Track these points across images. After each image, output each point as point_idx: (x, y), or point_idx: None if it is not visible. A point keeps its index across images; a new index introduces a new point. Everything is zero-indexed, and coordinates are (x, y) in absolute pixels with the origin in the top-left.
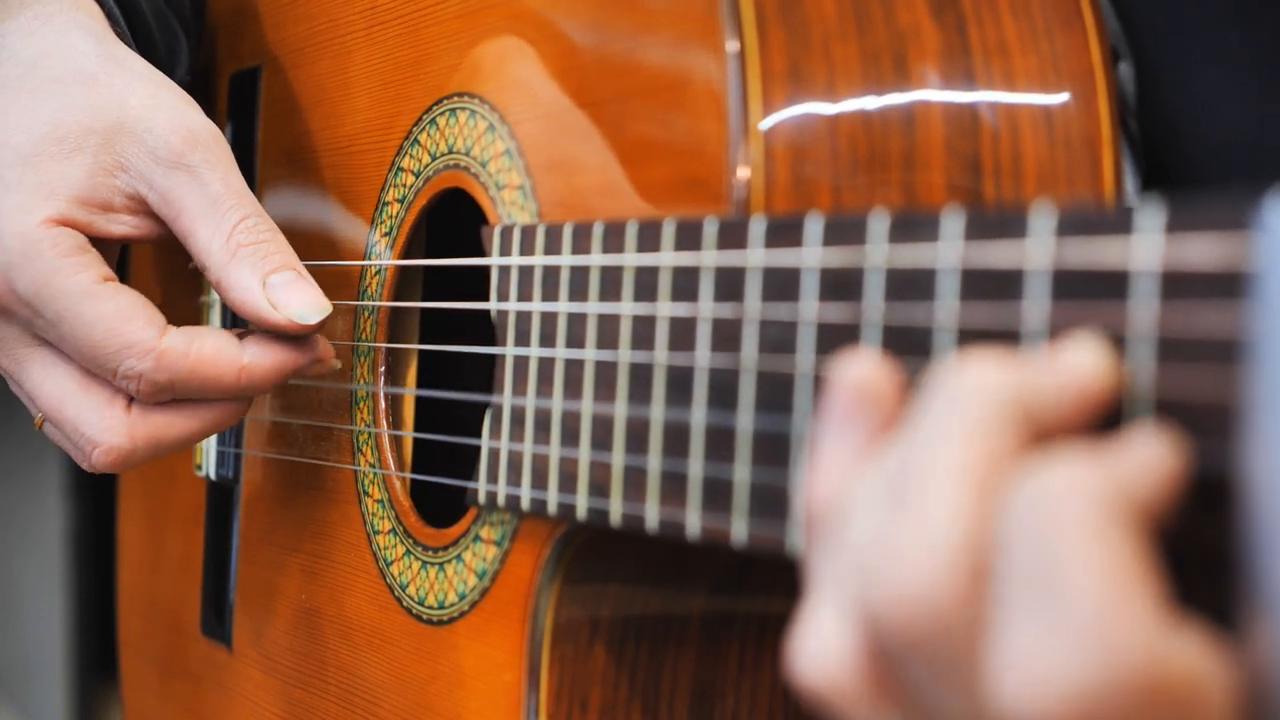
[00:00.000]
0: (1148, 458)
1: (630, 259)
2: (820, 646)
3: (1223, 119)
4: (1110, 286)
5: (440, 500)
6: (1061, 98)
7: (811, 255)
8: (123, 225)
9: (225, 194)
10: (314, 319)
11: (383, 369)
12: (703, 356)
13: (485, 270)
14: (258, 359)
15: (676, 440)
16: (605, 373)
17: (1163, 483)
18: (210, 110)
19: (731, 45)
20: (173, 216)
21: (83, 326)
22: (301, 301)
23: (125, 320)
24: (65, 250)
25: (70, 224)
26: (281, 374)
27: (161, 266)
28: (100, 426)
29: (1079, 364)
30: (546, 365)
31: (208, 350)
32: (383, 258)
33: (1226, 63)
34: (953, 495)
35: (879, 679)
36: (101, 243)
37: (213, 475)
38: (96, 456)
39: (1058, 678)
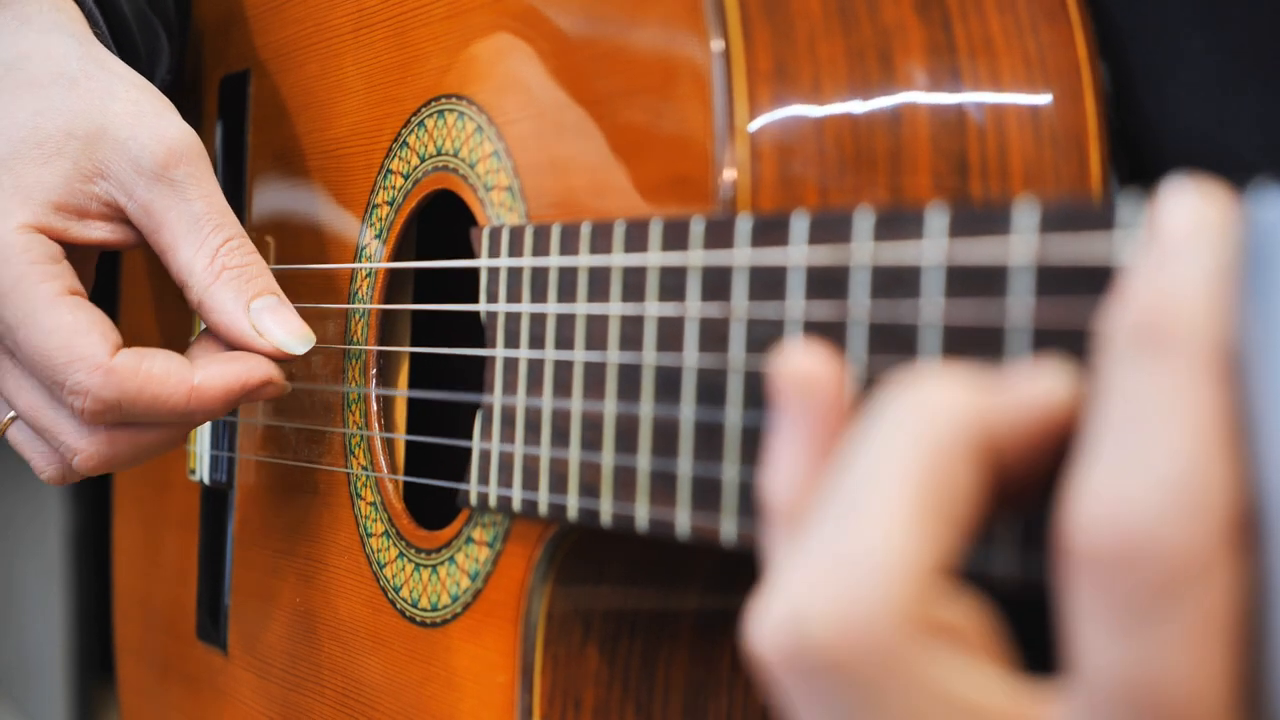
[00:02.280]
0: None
1: (618, 259)
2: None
3: (1189, 122)
4: (1095, 282)
5: (434, 502)
6: (1047, 93)
7: (797, 254)
8: (98, 231)
9: (208, 213)
10: (299, 349)
11: (374, 371)
12: (690, 356)
13: (475, 271)
14: (208, 380)
15: (666, 440)
16: (594, 373)
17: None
18: (200, 114)
19: (716, 44)
20: (152, 229)
21: (39, 333)
22: (287, 330)
23: (80, 334)
24: (36, 257)
25: (46, 231)
26: (231, 396)
27: (155, 275)
28: (79, 433)
29: (1043, 388)
30: (536, 366)
31: (157, 370)
32: (373, 260)
33: (1192, 66)
34: (893, 518)
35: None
36: (77, 248)
37: (206, 480)
38: (80, 461)
39: (1130, 507)
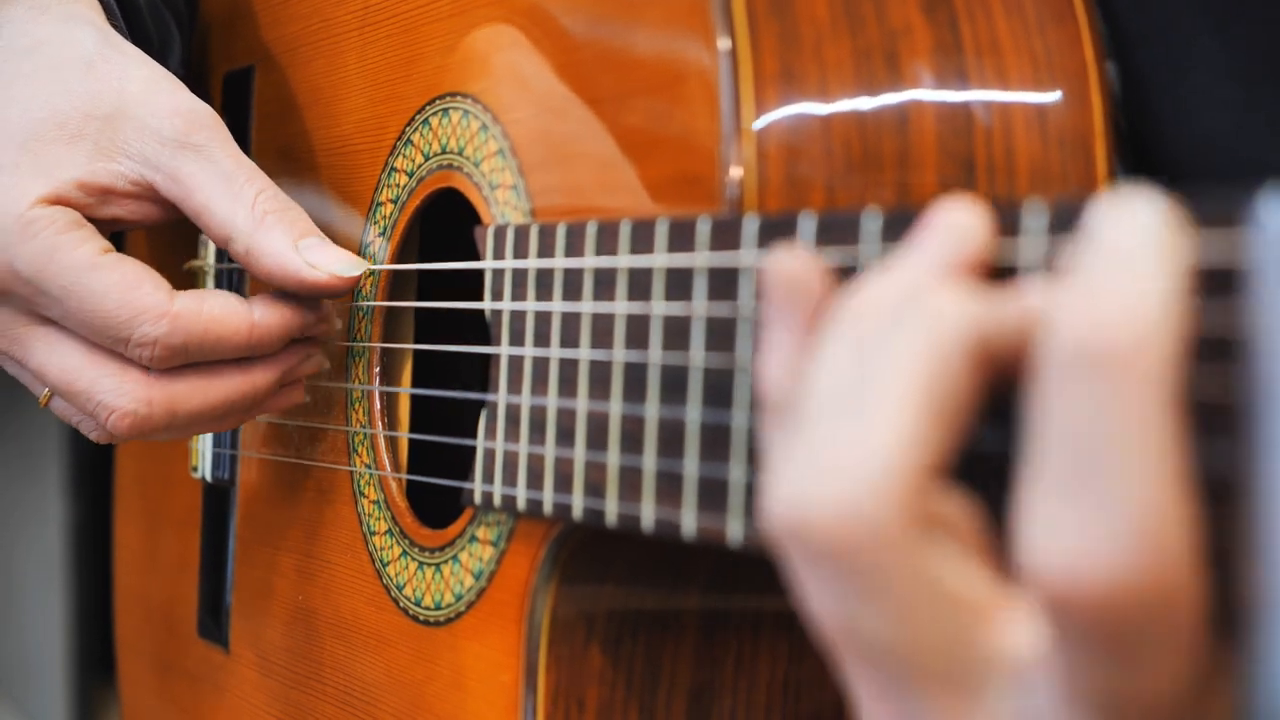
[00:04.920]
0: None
1: (624, 260)
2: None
3: (1202, 125)
4: None
5: (437, 501)
6: (1054, 94)
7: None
8: (120, 209)
9: (238, 169)
10: (355, 271)
11: (378, 369)
12: (697, 356)
13: (480, 270)
14: (266, 316)
15: (672, 440)
16: (600, 372)
17: (1179, 308)
18: None
19: (724, 44)
20: (183, 195)
21: (91, 298)
22: (338, 258)
23: (134, 287)
24: (62, 227)
25: (64, 203)
26: (289, 330)
27: (154, 256)
28: (117, 391)
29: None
30: (541, 365)
31: (218, 309)
32: (377, 257)
33: (1204, 69)
34: (898, 413)
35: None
36: (96, 224)
37: (208, 477)
38: (114, 421)
39: (1098, 559)
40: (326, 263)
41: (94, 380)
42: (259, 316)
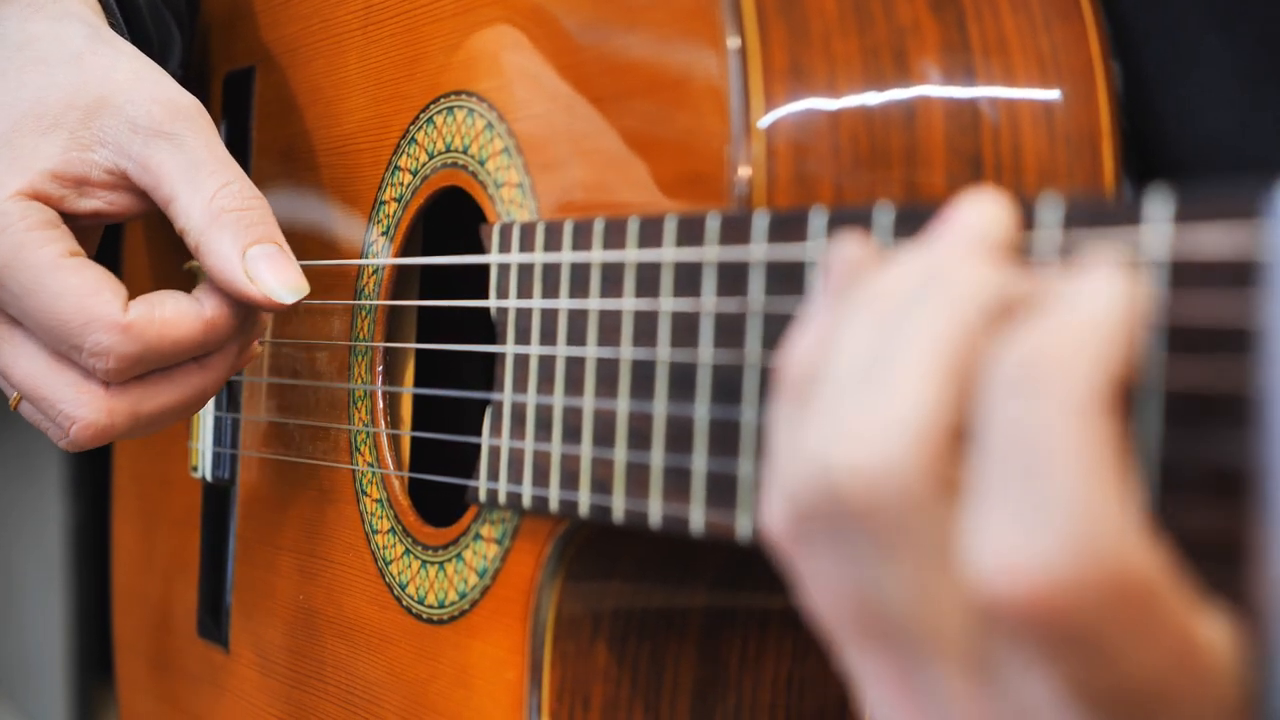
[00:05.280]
0: (1107, 308)
1: (632, 255)
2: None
3: (1207, 124)
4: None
5: (438, 499)
6: (1061, 92)
7: (816, 249)
8: (98, 200)
9: (208, 158)
10: (290, 299)
11: (380, 368)
12: (705, 352)
13: (483, 269)
14: (218, 310)
15: (680, 436)
16: (607, 369)
17: (1127, 332)
18: None
19: (733, 41)
20: (152, 184)
21: (49, 299)
22: (280, 279)
23: (92, 294)
24: (33, 224)
25: (41, 197)
26: (243, 320)
27: (158, 268)
28: (77, 401)
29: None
30: (547, 363)
31: (170, 313)
32: (380, 257)
33: (1210, 67)
34: (924, 376)
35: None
36: (79, 223)
37: (208, 477)
38: (75, 432)
39: (1032, 561)
40: (266, 282)
41: (55, 388)
42: (211, 313)
